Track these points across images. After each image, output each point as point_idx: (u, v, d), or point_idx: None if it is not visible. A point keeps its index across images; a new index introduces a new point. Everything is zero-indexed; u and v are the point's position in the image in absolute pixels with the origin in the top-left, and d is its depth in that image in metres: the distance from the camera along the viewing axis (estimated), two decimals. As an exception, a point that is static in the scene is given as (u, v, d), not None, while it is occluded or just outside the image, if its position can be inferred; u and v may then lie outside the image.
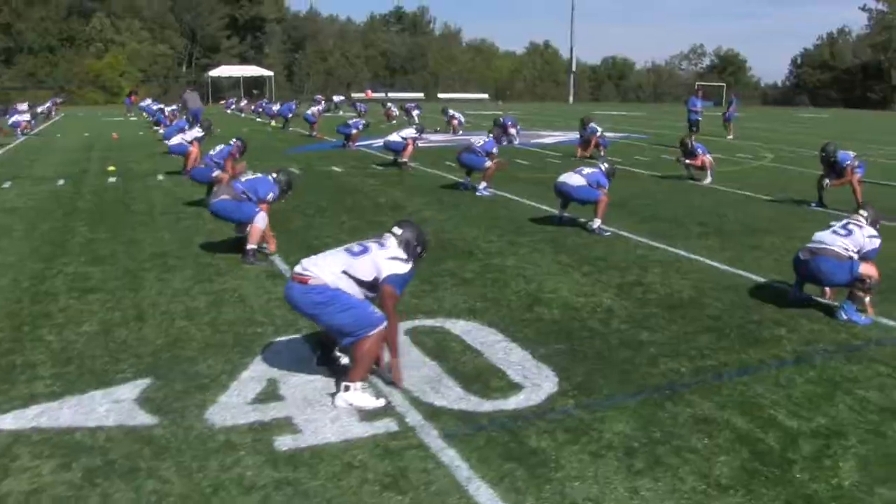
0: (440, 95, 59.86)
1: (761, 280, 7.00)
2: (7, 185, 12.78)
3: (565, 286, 6.72)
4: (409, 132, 14.57)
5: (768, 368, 4.89)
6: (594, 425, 4.08)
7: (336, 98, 41.68)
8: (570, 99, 64.38)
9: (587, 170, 9.22)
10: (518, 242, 8.43)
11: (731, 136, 23.56)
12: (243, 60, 67.23)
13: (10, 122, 23.19)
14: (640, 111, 50.95)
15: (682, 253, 8.04)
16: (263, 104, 31.12)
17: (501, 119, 21.37)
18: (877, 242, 6.07)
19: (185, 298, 6.30)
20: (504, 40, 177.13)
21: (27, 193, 11.84)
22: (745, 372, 4.82)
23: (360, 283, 4.35)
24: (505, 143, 20.59)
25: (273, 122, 28.58)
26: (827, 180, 10.99)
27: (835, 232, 6.08)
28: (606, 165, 9.23)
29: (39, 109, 33.08)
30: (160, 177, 13.83)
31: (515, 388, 4.58)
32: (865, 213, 6.25)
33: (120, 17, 61.77)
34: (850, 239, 5.98)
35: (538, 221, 9.66)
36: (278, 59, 74.91)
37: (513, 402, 4.36)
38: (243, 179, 7.73)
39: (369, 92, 55.84)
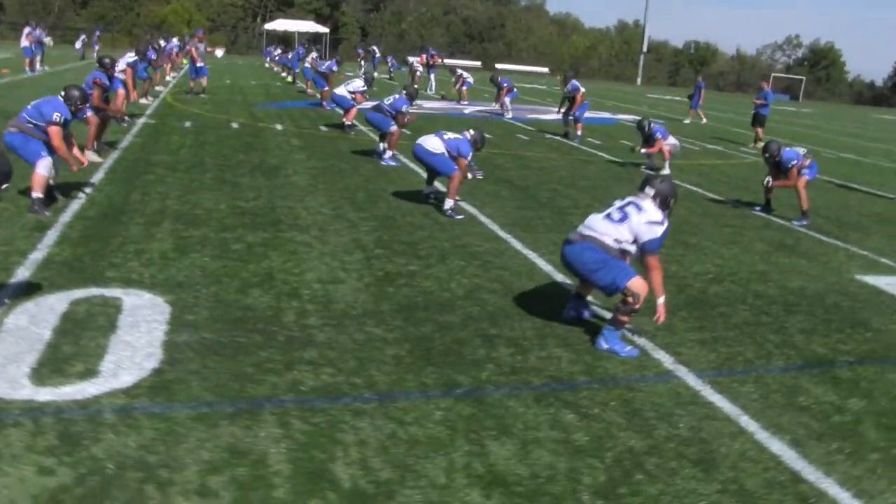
0: (497, 66, 58.14)
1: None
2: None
3: (322, 270, 5.83)
4: (357, 85, 13.65)
5: (405, 399, 3.85)
6: (101, 434, 3.29)
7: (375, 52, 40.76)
8: (639, 81, 61.50)
9: (450, 134, 8.08)
10: (345, 217, 7.54)
11: (704, 121, 23.57)
12: (318, 17, 67.12)
13: (22, 46, 23.26)
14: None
15: (517, 246, 7.00)
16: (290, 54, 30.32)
17: (499, 79, 20.09)
18: (657, 231, 4.62)
19: None
20: (590, 16, 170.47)
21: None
22: (362, 399, 3.83)
23: None
24: (496, 109, 19.55)
25: (287, 77, 28.11)
26: (769, 178, 9.61)
27: (608, 216, 4.76)
28: (473, 133, 8.08)
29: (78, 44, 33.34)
30: None
31: (87, 375, 3.83)
32: (653, 190, 4.78)
33: (197, -36, 62.69)
34: (624, 225, 4.66)
35: (407, 198, 8.71)
36: (354, 18, 74.70)
37: (58, 393, 3.61)
38: (29, 106, 7.03)
39: (423, 57, 54.65)
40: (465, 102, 22.83)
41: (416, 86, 28.73)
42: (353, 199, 8.37)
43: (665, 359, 4.72)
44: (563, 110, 15.91)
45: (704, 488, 3.31)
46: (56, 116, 6.87)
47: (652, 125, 12.05)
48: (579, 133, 15.62)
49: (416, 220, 7.67)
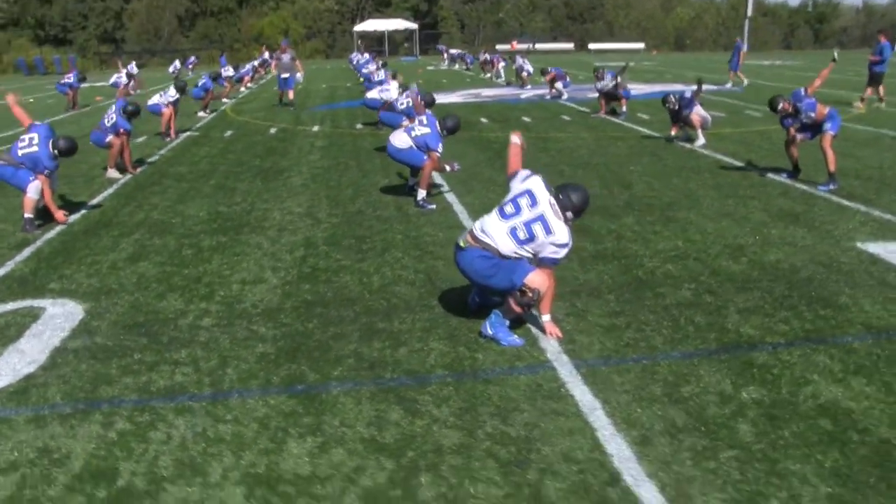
0: (591, 46, 56.65)
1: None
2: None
3: (253, 270, 5.94)
4: (390, 93, 13.76)
5: (240, 397, 3.86)
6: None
7: (454, 52, 40.89)
8: (745, 48, 57.71)
9: (419, 130, 8.01)
10: (314, 216, 7.64)
11: (742, 83, 22.61)
12: (416, 13, 68.28)
13: (111, 82, 25.12)
14: (804, 60, 44.76)
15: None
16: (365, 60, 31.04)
17: (549, 69, 19.71)
18: (560, 253, 4.42)
19: None
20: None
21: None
22: (197, 398, 3.90)
23: None
24: (549, 97, 19.23)
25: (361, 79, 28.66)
26: (799, 135, 8.86)
27: (513, 232, 4.42)
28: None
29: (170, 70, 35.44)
30: None
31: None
32: (570, 213, 4.44)
33: (293, -24, 65.24)
34: (528, 246, 4.42)
35: (392, 192, 8.71)
36: (453, 11, 75.12)
37: None
38: (20, 153, 7.40)
39: (514, 43, 54.26)
40: (528, 87, 22.70)
41: (488, 75, 29.02)
42: (335, 197, 8.47)
43: (551, 348, 4.47)
44: (603, 112, 15.35)
45: (495, 491, 3.12)
46: (44, 168, 7.37)
47: (675, 101, 11.51)
48: (624, 109, 15.08)
49: (385, 213, 7.67)
